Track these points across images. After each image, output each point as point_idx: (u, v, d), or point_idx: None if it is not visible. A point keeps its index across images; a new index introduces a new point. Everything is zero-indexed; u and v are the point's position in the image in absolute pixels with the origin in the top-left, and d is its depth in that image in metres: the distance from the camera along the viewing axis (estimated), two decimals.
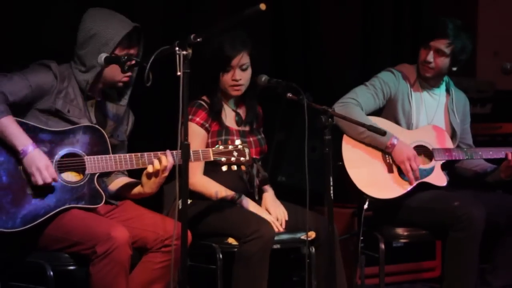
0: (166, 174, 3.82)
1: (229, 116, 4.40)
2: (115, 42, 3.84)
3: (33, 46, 4.68)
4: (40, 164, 3.70)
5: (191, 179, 4.17)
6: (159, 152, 3.83)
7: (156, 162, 3.81)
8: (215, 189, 4.27)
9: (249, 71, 4.32)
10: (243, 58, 4.28)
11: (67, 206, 3.77)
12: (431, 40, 4.60)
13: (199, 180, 4.27)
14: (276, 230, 4.20)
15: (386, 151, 4.56)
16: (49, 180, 3.71)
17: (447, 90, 4.81)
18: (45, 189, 3.75)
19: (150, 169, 3.82)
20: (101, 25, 3.85)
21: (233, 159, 3.87)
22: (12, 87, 3.75)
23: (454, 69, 4.66)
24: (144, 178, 3.88)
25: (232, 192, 4.28)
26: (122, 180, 4.06)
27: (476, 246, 4.42)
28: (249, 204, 4.29)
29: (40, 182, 3.70)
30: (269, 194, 4.42)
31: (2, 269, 3.73)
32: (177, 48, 3.43)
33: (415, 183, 4.55)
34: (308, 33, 5.96)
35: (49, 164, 3.73)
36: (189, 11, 5.32)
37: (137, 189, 3.97)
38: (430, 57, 4.59)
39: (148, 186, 3.89)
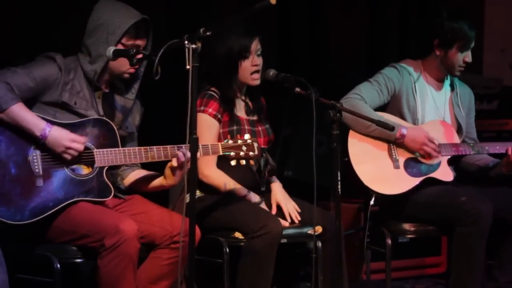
0: (189, 166, 3.80)
1: (239, 106, 4.40)
2: (122, 31, 3.84)
3: (41, 40, 4.68)
4: (65, 142, 3.73)
5: (206, 171, 4.21)
6: (183, 145, 3.81)
7: (180, 154, 3.80)
8: (224, 181, 4.27)
9: (261, 58, 4.35)
10: (258, 44, 4.33)
11: (75, 199, 3.78)
12: (471, 43, 4.63)
13: (214, 173, 4.27)
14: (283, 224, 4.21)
15: (396, 142, 4.57)
16: (82, 148, 3.76)
17: (451, 84, 4.82)
18: (54, 182, 3.75)
19: (174, 162, 3.82)
20: (109, 14, 3.86)
21: (242, 153, 3.86)
22: (17, 80, 3.76)
23: None
24: (168, 171, 3.88)
25: (242, 187, 4.28)
26: (139, 172, 4.05)
27: (483, 242, 4.42)
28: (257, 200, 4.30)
29: (75, 154, 3.75)
30: (278, 187, 4.42)
31: (9, 261, 3.72)
32: (186, 42, 3.43)
33: (422, 178, 4.56)
34: (315, 29, 5.97)
35: (71, 136, 3.75)
36: (196, 5, 5.32)
37: (158, 181, 3.96)
38: (470, 57, 4.63)
39: (171, 178, 3.89)
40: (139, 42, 3.90)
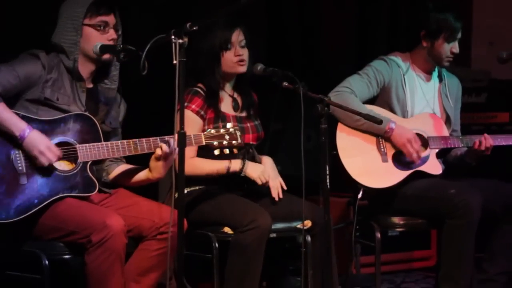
0: (174, 156, 3.76)
1: (225, 102, 4.40)
2: (82, 13, 3.87)
3: (27, 37, 4.67)
4: (41, 147, 3.71)
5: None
6: (166, 136, 3.81)
7: (164, 145, 3.81)
8: (216, 167, 4.26)
9: (247, 50, 4.35)
10: (240, 35, 4.33)
11: (60, 195, 3.77)
12: (458, 34, 4.64)
13: (189, 163, 4.24)
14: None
15: (384, 136, 4.57)
16: (54, 160, 3.73)
17: (439, 75, 4.83)
18: (39, 179, 3.74)
19: (159, 151, 3.82)
20: (67, 5, 3.92)
21: (224, 142, 3.87)
22: (0, 78, 3.75)
23: None
24: (153, 162, 3.88)
25: (221, 161, 4.27)
26: (124, 167, 4.05)
27: (472, 234, 4.43)
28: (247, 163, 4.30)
29: (46, 163, 3.72)
30: (268, 161, 4.41)
31: None
32: (173, 37, 3.44)
33: (411, 171, 4.56)
34: (305, 24, 5.97)
35: (49, 144, 3.74)
36: (184, 1, 5.32)
37: (143, 174, 3.96)
38: (457, 48, 4.64)
39: (157, 171, 3.89)
40: (105, 18, 3.91)
